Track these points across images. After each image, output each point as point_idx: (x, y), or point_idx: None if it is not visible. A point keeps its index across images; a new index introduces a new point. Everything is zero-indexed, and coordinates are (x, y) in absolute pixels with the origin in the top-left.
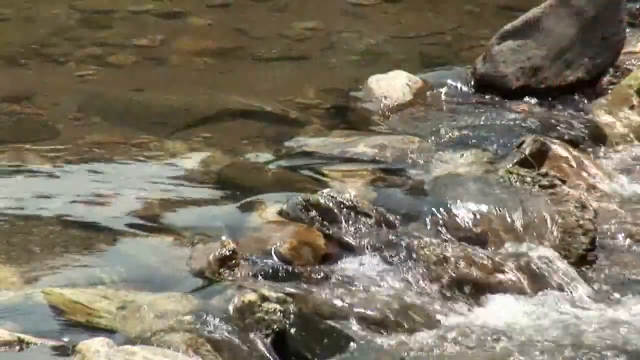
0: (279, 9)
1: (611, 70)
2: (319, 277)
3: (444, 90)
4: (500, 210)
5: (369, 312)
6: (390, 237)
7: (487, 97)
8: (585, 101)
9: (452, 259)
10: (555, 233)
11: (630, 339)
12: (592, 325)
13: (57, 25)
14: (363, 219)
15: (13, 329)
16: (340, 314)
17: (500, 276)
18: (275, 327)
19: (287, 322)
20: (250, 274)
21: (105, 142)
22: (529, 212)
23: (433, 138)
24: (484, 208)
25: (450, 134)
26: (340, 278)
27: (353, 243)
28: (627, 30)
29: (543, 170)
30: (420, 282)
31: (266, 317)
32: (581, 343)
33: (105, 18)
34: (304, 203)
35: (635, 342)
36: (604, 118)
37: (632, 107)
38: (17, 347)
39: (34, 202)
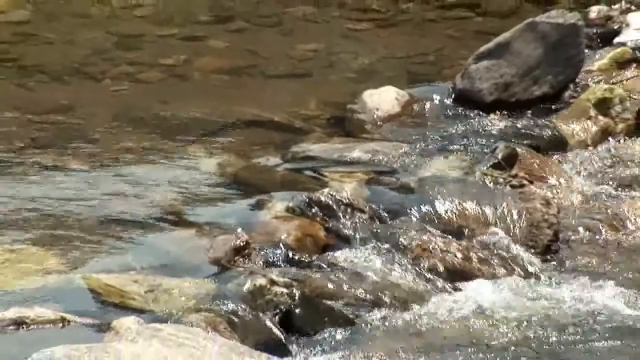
0: (285, 33)
1: (572, 86)
2: (320, 264)
3: (428, 103)
4: (476, 207)
5: (362, 294)
6: (381, 230)
7: (465, 109)
8: (550, 113)
9: (434, 248)
10: (523, 226)
11: (584, 314)
12: (553, 305)
13: (94, 47)
14: (358, 214)
15: (57, 309)
16: (338, 296)
17: (475, 263)
18: (282, 307)
19: (293, 302)
20: (261, 261)
21: (136, 147)
22: (501, 208)
23: (419, 144)
24: (462, 205)
25: (433, 141)
26: (338, 265)
27: (349, 235)
28: (586, 51)
29: (513, 172)
30: (407, 268)
31: (274, 299)
32: (543, 319)
33: (136, 41)
34: (307, 200)
35: (587, 317)
36: (565, 127)
37: (589, 118)
38: (60, 325)
39: (74, 199)
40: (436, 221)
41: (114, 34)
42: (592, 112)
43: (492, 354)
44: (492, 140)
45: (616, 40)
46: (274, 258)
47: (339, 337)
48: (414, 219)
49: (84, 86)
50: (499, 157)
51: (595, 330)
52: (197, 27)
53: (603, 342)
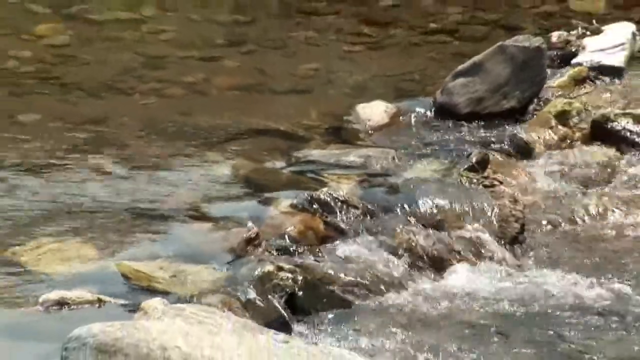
0: (289, 54)
1: (536, 100)
2: (320, 253)
3: (412, 115)
4: (454, 204)
5: (357, 279)
6: (372, 223)
7: (444, 120)
8: (517, 123)
9: (418, 239)
10: (494, 220)
11: (545, 294)
12: (520, 287)
13: (125, 66)
14: (352, 210)
15: (93, 291)
16: (335, 280)
17: (454, 253)
18: (287, 290)
19: (296, 286)
20: (269, 251)
21: (161, 152)
22: (475, 205)
23: (404, 150)
24: (442, 202)
25: (417, 147)
26: (335, 254)
27: (345, 228)
28: (548, 70)
29: (485, 174)
30: (396, 257)
31: (281, 283)
32: (511, 299)
33: (161, 61)
34: (309, 198)
35: (548, 297)
36: (530, 136)
37: (551, 128)
38: (97, 305)
39: (108, 197)
40: (420, 216)
41: (142, 55)
42: (553, 123)
43: (467, 329)
44: (467, 147)
45: (574, 61)
46: (280, 248)
47: (335, 316)
48: (401, 214)
49: (116, 100)
50: (473, 161)
51: (555, 307)
52: (214, 50)
53: (561, 317)
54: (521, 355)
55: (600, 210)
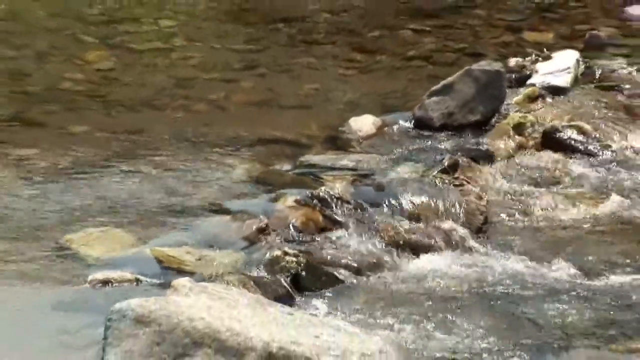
0: (294, 77)
1: (497, 114)
2: (319, 241)
3: (395, 126)
4: (429, 200)
5: (348, 262)
6: (362, 216)
7: (421, 131)
8: (481, 133)
9: (400, 229)
10: (462, 213)
11: (505, 275)
12: (482, 269)
13: (159, 86)
14: (346, 205)
15: (132, 272)
16: (332, 263)
17: (429, 241)
18: (292, 271)
19: (299, 268)
20: (277, 239)
21: (188, 157)
22: (447, 201)
23: (389, 156)
24: (419, 198)
25: (399, 153)
26: (332, 241)
27: (340, 220)
28: (507, 90)
29: (456, 175)
30: (381, 244)
31: (286, 265)
32: (477, 278)
33: (188, 82)
34: (310, 195)
35: (507, 277)
36: (492, 144)
37: (509, 137)
38: (135, 284)
39: (144, 194)
40: (401, 210)
41: (173, 77)
42: (511, 133)
43: (440, 302)
44: (440, 153)
45: (528, 82)
46: (286, 236)
47: (331, 292)
48: (386, 209)
49: (151, 114)
50: (446, 164)
51: (511, 284)
52: (232, 73)
53: (516, 291)
54: (483, 321)
55: (550, 205)
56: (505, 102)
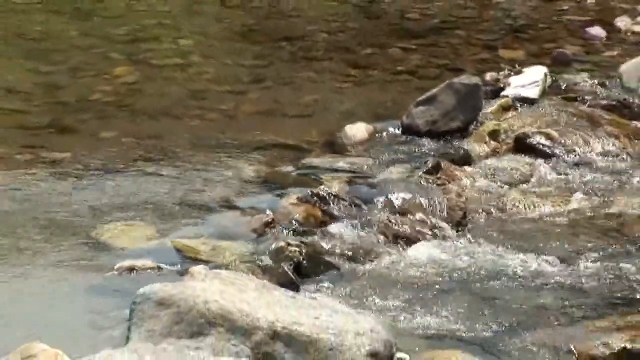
0: (296, 89)
1: (475, 122)
2: (318, 233)
3: (385, 133)
4: (415, 197)
5: (344, 251)
6: (357, 211)
7: (408, 137)
8: (461, 139)
9: (389, 222)
10: (444, 209)
11: (482, 263)
12: (462, 257)
13: (177, 97)
14: (342, 201)
15: (154, 261)
16: (329, 253)
17: (415, 233)
18: (294, 260)
19: (301, 257)
20: (281, 231)
21: (203, 160)
22: (431, 198)
23: (380, 159)
24: (407, 196)
25: (389, 156)
26: (329, 234)
27: (337, 215)
28: (483, 100)
29: (438, 175)
30: (375, 235)
31: (290, 254)
32: (457, 266)
33: (203, 94)
34: (311, 193)
35: (484, 265)
36: (470, 147)
37: (485, 142)
38: (157, 271)
39: (164, 192)
40: (391, 206)
41: (189, 89)
42: (487, 139)
43: (425, 287)
44: (425, 156)
45: (502, 94)
46: (289, 229)
47: (329, 278)
48: (377, 205)
49: (170, 122)
50: (430, 166)
51: (488, 271)
52: (241, 86)
53: (492, 277)
54: (462, 302)
55: (520, 202)
56: (482, 112)
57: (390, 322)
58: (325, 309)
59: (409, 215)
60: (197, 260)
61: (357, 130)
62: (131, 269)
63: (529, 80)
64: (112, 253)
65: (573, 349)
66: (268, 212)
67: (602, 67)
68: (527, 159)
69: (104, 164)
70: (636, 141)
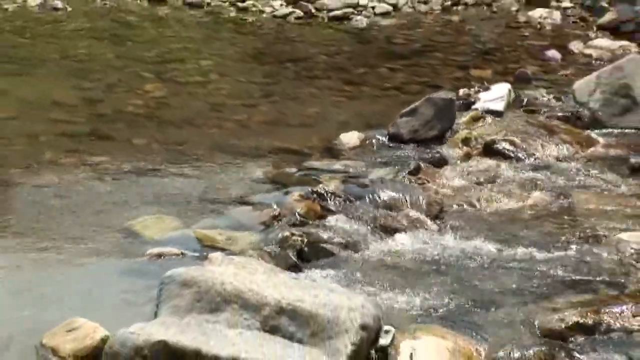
0: (300, 103)
1: (450, 131)
2: (318, 225)
3: (374, 140)
4: (400, 195)
5: (339, 240)
6: (351, 206)
7: (394, 143)
8: (438, 145)
9: (378, 215)
10: (424, 204)
11: (458, 250)
12: (439, 245)
13: (198, 110)
14: (338, 198)
15: (179, 248)
16: (327, 241)
17: (401, 224)
18: (297, 247)
19: (303, 245)
20: (286, 223)
21: (220, 162)
22: (412, 195)
23: (370, 161)
24: (393, 194)
25: (377, 160)
26: (327, 225)
27: (333, 209)
28: (457, 112)
29: (419, 176)
30: (366, 226)
31: (293, 243)
32: (435, 253)
33: (220, 106)
34: (311, 191)
35: (460, 252)
36: (446, 152)
37: (459, 148)
38: (181, 257)
39: (187, 189)
40: (379, 202)
41: (209, 103)
42: (460, 145)
43: (407, 271)
44: (408, 159)
45: (473, 107)
46: (293, 221)
47: (327, 262)
48: (368, 201)
49: (192, 130)
50: (412, 168)
51: (462, 258)
52: (253, 100)
53: (466, 263)
54: (439, 284)
55: (488, 198)
56: (456, 122)
57: (378, 300)
58: (323, 289)
59: (394, 210)
60: (214, 248)
61: (351, 137)
62: (159, 255)
63: (495, 96)
64: (143, 242)
65: (536, 323)
66: (275, 207)
67: (558, 84)
68: (494, 162)
69: (136, 166)
70: (586, 147)
